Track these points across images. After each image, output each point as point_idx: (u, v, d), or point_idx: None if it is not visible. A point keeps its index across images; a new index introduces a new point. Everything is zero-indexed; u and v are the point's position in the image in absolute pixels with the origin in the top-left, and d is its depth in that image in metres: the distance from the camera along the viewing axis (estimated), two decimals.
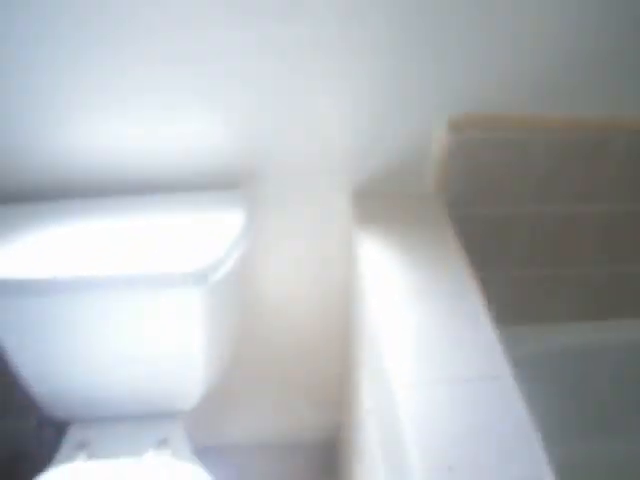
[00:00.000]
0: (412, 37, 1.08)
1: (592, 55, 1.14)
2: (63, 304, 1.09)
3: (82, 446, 1.25)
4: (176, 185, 1.20)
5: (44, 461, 1.24)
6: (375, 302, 1.02)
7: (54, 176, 1.18)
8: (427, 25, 1.07)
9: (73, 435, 1.28)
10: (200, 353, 1.18)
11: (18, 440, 1.59)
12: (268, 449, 1.69)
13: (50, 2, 1.00)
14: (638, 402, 1.47)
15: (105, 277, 1.06)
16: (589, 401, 1.45)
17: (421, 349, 0.94)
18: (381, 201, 1.22)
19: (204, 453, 1.29)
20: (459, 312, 1.00)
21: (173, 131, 1.15)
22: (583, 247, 1.34)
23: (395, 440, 0.89)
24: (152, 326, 1.14)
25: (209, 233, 1.11)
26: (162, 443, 1.26)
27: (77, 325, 1.13)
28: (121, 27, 1.03)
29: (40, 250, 1.08)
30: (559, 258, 1.35)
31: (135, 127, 1.14)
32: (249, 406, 1.63)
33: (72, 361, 1.18)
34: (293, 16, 1.04)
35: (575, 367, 1.41)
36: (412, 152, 1.21)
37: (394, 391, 0.88)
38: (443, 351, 0.94)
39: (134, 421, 1.29)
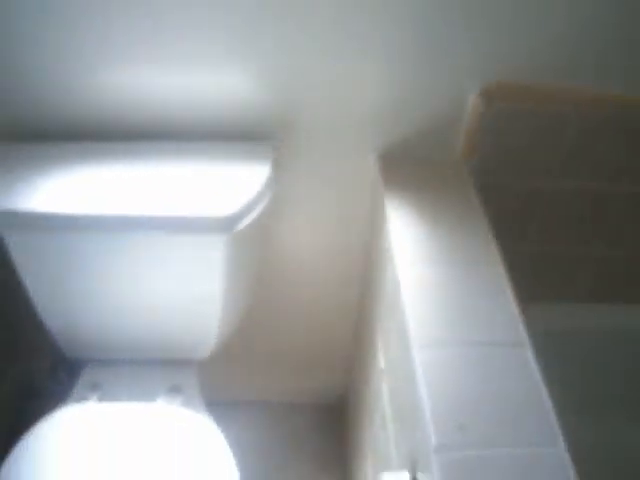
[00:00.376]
0: (447, 3, 1.07)
1: (628, 30, 1.11)
2: (85, 242, 1.10)
3: (94, 387, 1.27)
4: (207, 134, 1.20)
5: (56, 400, 1.26)
6: (398, 263, 1.02)
7: (89, 118, 1.18)
8: None
9: (86, 376, 1.30)
10: (217, 301, 1.19)
11: (32, 378, 1.61)
12: (276, 407, 1.71)
13: None
14: None
15: (129, 217, 1.07)
16: (600, 383, 1.45)
17: (441, 312, 0.94)
18: (408, 165, 1.22)
19: (213, 407, 1.31)
20: (481, 278, 1.00)
21: (206, 80, 1.15)
22: (609, 227, 1.33)
23: (408, 399, 0.90)
24: (172, 271, 1.15)
25: (235, 183, 1.11)
26: (174, 390, 1.28)
27: (97, 265, 1.14)
28: None
29: (67, 188, 1.09)
30: (582, 236, 1.34)
31: (170, 75, 1.14)
32: (260, 362, 1.65)
33: (90, 300, 1.20)
34: None
35: (588, 348, 1.41)
36: (442, 119, 1.20)
37: (411, 351, 0.89)
38: (463, 315, 0.94)
39: (148, 366, 1.31)
